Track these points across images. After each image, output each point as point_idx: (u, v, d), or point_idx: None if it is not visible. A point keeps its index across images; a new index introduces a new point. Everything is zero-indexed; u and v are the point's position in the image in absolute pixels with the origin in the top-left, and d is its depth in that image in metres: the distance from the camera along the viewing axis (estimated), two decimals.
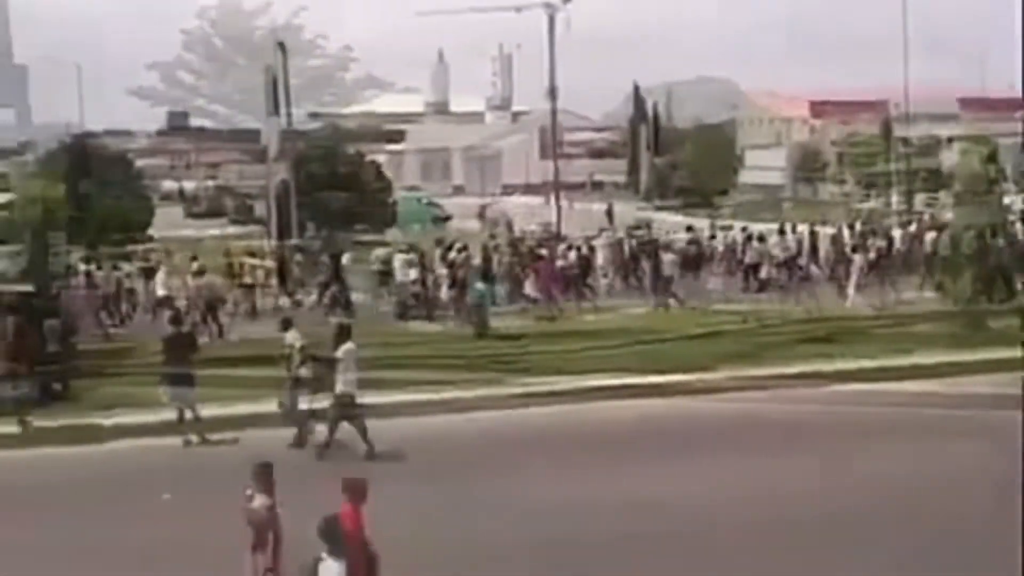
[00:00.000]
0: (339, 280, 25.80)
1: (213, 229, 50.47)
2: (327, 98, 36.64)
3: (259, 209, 49.05)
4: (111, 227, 41.01)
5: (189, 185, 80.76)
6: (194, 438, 14.71)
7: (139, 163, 60.86)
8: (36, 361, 15.81)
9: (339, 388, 14.31)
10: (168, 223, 50.13)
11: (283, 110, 37.92)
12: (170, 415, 15.03)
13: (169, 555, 10.59)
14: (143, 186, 53.07)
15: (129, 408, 15.72)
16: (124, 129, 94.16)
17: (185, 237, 43.30)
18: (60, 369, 16.68)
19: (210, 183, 79.46)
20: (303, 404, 14.82)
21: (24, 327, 16.03)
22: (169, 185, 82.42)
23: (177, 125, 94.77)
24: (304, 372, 14.84)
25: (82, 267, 24.40)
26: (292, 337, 15.12)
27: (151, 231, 46.44)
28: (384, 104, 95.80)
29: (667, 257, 25.91)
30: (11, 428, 15.02)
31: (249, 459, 9.26)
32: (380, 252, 27.82)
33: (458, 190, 78.53)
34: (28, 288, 16.87)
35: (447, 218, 54.70)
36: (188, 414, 14.81)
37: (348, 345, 14.56)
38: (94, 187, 37.19)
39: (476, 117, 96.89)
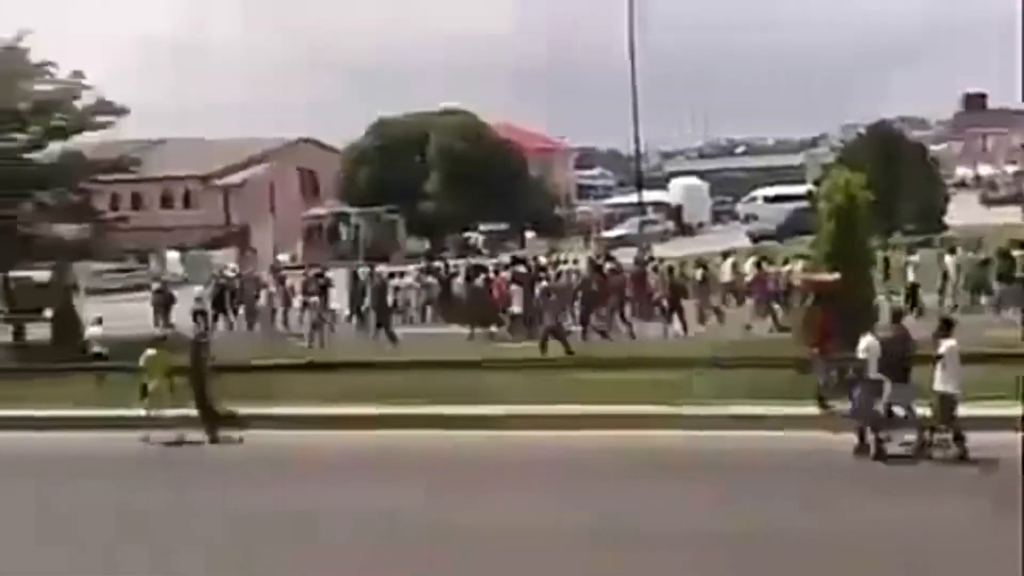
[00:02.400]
0: None
1: (1011, 217, 47.86)
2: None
3: None
4: (906, 216, 41.59)
5: (985, 171, 78.23)
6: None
7: (933, 149, 60.37)
8: (835, 347, 16.05)
9: (938, 387, 13.84)
10: (963, 211, 48.63)
11: None
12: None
13: None
14: (936, 174, 51.98)
15: None
16: (917, 116, 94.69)
17: (980, 225, 41.95)
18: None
19: (1009, 168, 76.17)
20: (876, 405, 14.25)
21: (826, 312, 16.52)
22: (963, 171, 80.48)
23: (972, 108, 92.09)
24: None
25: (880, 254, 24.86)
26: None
27: (946, 219, 45.87)
28: None
29: None
30: (811, 410, 15.78)
31: None
32: None
33: None
34: (833, 276, 17.17)
35: None
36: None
37: (950, 342, 13.98)
38: (891, 176, 37.85)
39: None
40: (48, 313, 27.34)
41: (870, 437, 14.22)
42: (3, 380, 22.18)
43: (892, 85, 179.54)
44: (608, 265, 27.99)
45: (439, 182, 62.55)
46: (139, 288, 39.48)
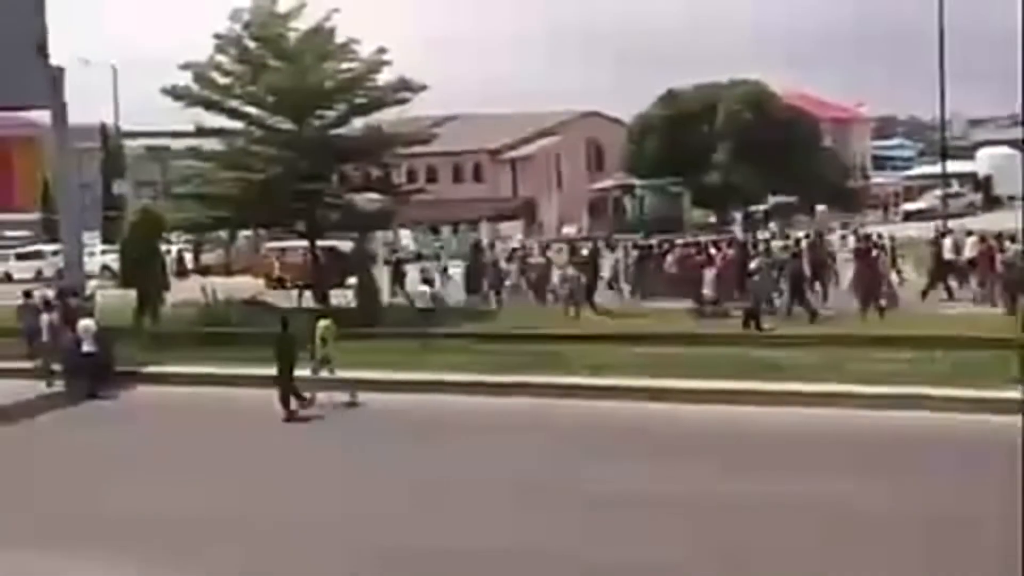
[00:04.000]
0: None
1: None
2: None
3: None
4: None
5: None
6: None
7: None
8: None
9: None
10: None
11: None
12: None
13: None
14: None
15: None
16: None
17: None
18: None
19: None
20: None
21: None
22: None
23: None
24: None
25: None
26: None
27: None
28: None
29: None
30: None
31: None
32: None
33: None
34: None
35: None
36: None
37: None
38: None
39: None
40: (352, 281, 28.90)
41: None
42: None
43: None
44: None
45: (726, 153, 61.51)
46: (420, 258, 40.56)
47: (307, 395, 18.65)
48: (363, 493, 13.82)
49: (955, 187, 53.85)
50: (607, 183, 63.88)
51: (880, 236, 31.21)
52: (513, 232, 53.69)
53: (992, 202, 58.35)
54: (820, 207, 57.54)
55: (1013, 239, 25.41)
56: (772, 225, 50.08)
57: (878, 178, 74.30)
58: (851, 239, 32.63)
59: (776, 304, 24.44)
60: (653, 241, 34.74)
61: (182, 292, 30.75)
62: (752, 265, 24.17)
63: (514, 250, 34.88)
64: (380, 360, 21.17)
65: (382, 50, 29.26)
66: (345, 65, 29.42)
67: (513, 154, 66.58)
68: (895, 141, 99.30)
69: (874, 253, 26.53)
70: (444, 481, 13.94)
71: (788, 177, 58.26)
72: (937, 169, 49.65)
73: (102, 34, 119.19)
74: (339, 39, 29.27)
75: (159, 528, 12.60)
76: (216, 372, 21.38)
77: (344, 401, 19.09)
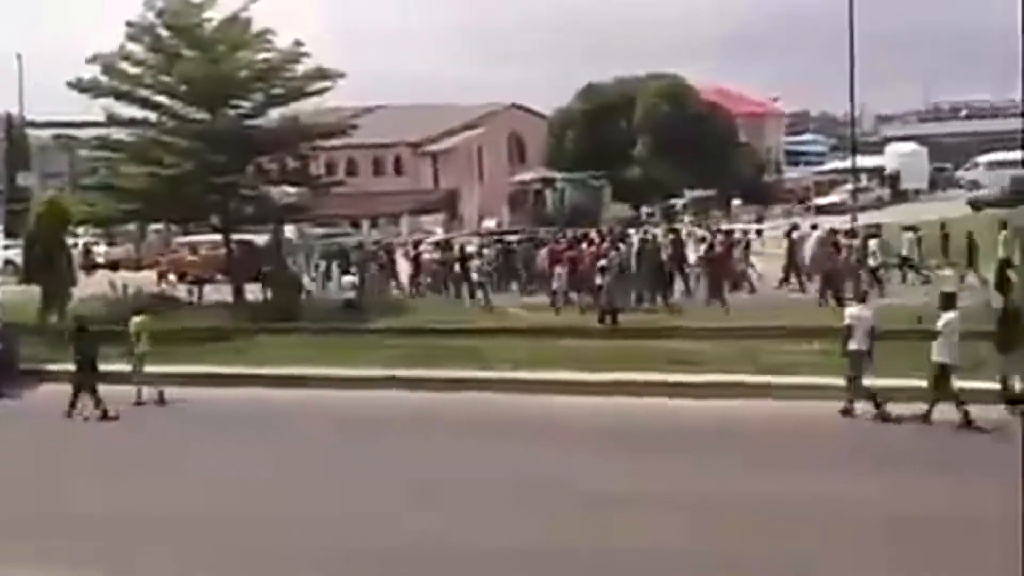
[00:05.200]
0: None
1: None
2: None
3: None
4: None
5: None
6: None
7: None
8: None
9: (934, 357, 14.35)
10: None
11: None
12: None
13: None
14: None
15: None
16: None
17: None
18: None
19: None
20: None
21: None
22: None
23: None
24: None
25: None
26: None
27: None
28: None
29: None
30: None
31: None
32: None
33: None
34: None
35: None
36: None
37: (947, 315, 14.47)
38: None
39: None
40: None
41: None
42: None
43: None
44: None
45: (645, 147, 62.22)
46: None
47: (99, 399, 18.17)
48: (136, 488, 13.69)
49: (864, 182, 55.16)
50: (528, 176, 64.20)
51: (744, 232, 32.34)
52: (434, 225, 53.67)
53: (899, 196, 59.95)
54: (736, 201, 58.54)
55: (856, 235, 26.95)
56: (687, 219, 50.85)
57: (792, 173, 75.75)
58: (699, 234, 32.79)
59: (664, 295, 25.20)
60: (514, 237, 35.38)
61: (89, 287, 30.19)
62: (602, 262, 24.54)
63: (414, 244, 35.08)
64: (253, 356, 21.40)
65: (299, 42, 29.09)
66: (261, 55, 29.15)
67: (435, 147, 66.50)
68: (808, 136, 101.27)
69: (718, 248, 27.38)
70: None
71: (705, 171, 59.17)
72: (848, 164, 50.80)
73: (8, 22, 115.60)
74: (255, 29, 29.00)
75: None
76: (122, 369, 20.99)
77: (155, 399, 18.98)
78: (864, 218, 36.24)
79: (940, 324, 14.70)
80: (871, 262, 25.68)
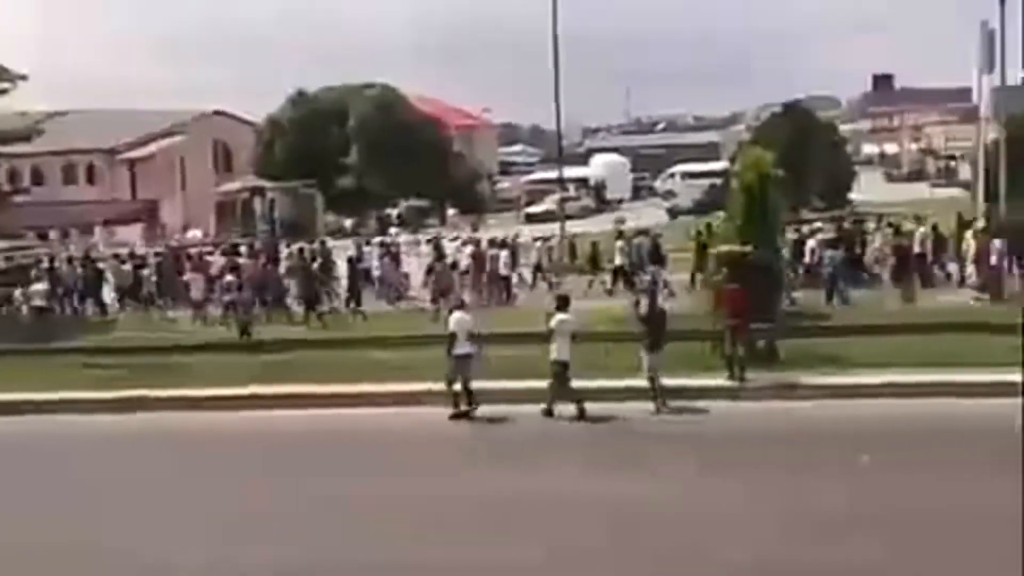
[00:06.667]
0: None
1: (915, 194, 49.43)
2: None
3: (964, 172, 47.28)
4: (815, 191, 42.47)
5: (891, 149, 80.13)
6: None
7: (842, 128, 61.91)
8: (752, 320, 16.51)
9: (553, 355, 15.08)
10: (869, 188, 50.64)
11: (996, 67, 35.89)
12: None
13: None
14: (844, 152, 53.52)
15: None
16: (828, 95, 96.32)
17: (885, 202, 43.12)
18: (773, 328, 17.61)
19: (912, 147, 78.13)
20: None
21: (737, 284, 16.64)
22: (869, 149, 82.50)
23: (880, 88, 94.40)
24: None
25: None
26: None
27: (853, 196, 47.39)
28: None
29: None
30: (729, 382, 16.14)
31: None
32: None
33: None
34: (745, 249, 17.58)
35: None
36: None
37: (561, 315, 15.25)
38: (802, 153, 38.73)
39: None
40: None
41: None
42: None
43: (807, 64, 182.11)
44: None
45: (359, 157, 61.45)
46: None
47: None
48: None
49: (572, 191, 56.99)
50: (236, 185, 61.81)
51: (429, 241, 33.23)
52: (131, 237, 50.45)
53: (605, 204, 62.41)
54: (451, 210, 58.92)
55: (504, 245, 28.14)
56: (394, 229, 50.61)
57: (504, 183, 77.42)
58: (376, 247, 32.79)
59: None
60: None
61: None
62: (228, 277, 24.55)
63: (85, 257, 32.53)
64: None
65: None
66: None
67: (132, 154, 62.69)
68: (518, 147, 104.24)
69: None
70: None
71: (420, 181, 59.18)
72: (556, 174, 52.26)
73: None
74: None
75: None
76: None
77: None
78: (572, 226, 37.20)
79: (554, 323, 15.28)
80: (503, 271, 26.72)
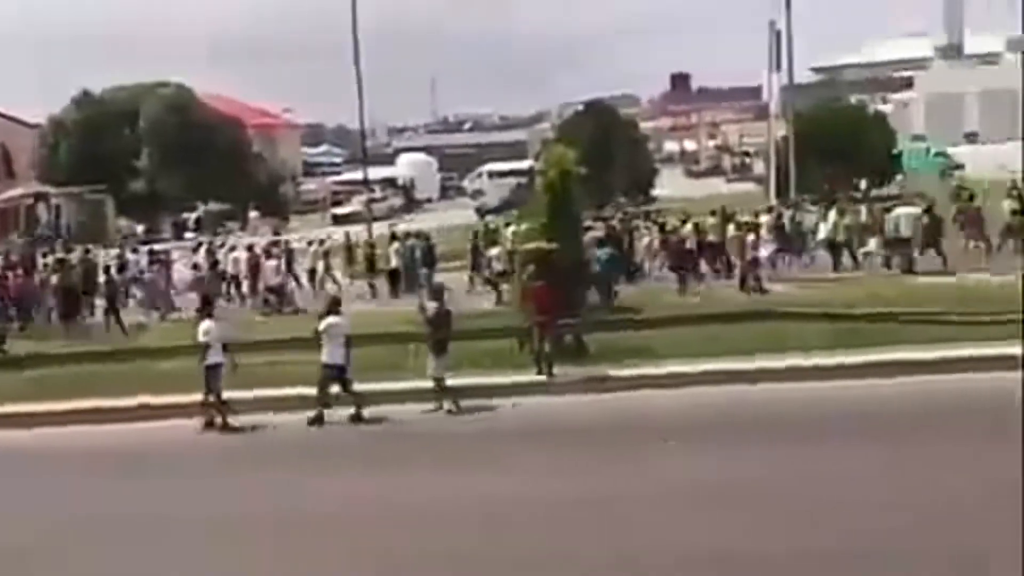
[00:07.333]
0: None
1: (712, 188, 51.23)
2: None
3: (758, 167, 49.25)
4: (618, 188, 43.30)
5: (690, 146, 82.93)
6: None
7: (644, 125, 63.53)
8: (559, 316, 16.56)
9: (324, 359, 14.93)
10: (669, 183, 52.09)
11: (784, 65, 37.45)
12: None
13: None
14: (646, 148, 54.86)
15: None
16: (630, 94, 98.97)
17: (685, 197, 44.47)
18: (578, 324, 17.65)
19: (710, 143, 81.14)
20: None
21: (544, 281, 16.64)
22: (670, 146, 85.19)
23: (679, 87, 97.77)
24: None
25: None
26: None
27: (655, 192, 48.64)
28: (889, 51, 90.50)
29: None
30: (539, 377, 16.15)
31: None
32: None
33: (970, 138, 72.68)
34: (551, 246, 17.61)
35: (958, 167, 51.19)
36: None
37: (332, 319, 15.12)
38: (605, 150, 39.43)
39: (992, 58, 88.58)
40: None
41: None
42: None
43: (611, 65, 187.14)
44: None
45: (150, 159, 58.52)
46: None
47: None
48: None
49: (379, 192, 56.20)
50: (17, 191, 57.82)
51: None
52: None
53: (413, 204, 61.93)
54: (253, 213, 57.03)
55: (270, 251, 27.95)
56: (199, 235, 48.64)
57: (310, 184, 75.74)
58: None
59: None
60: None
61: None
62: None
63: None
64: None
65: None
66: None
67: None
68: (323, 148, 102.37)
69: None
70: None
71: (217, 184, 56.91)
72: (362, 175, 51.34)
73: None
74: None
75: None
76: None
77: None
78: (379, 227, 36.50)
79: (322, 327, 15.07)
80: (274, 279, 26.25)
